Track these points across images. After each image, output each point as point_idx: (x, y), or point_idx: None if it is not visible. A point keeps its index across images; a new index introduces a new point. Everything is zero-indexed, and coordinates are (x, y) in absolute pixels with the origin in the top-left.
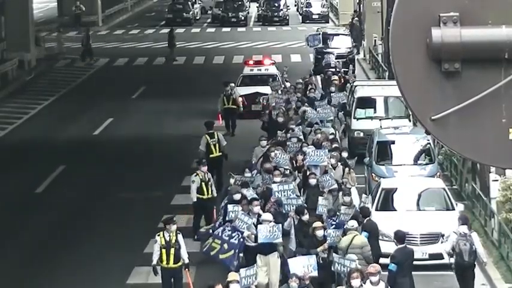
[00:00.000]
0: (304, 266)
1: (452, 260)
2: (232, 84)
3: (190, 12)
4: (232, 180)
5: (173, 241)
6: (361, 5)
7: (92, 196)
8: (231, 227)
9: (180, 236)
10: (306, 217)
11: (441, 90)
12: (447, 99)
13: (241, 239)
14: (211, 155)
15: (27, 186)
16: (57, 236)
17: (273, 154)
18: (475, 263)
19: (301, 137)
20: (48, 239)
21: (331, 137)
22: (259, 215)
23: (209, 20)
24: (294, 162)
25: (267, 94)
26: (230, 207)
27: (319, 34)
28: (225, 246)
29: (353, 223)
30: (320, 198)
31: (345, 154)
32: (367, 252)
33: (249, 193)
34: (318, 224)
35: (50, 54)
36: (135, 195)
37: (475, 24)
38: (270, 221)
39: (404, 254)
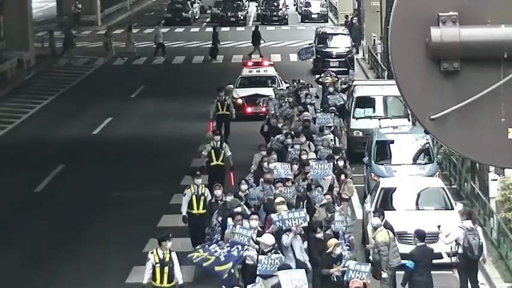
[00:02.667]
0: (294, 279)
1: (454, 258)
2: (231, 86)
3: (190, 12)
4: (219, 192)
5: (167, 259)
6: (361, 5)
7: (91, 195)
8: (230, 242)
9: (173, 254)
10: (320, 235)
11: (440, 89)
12: (446, 99)
13: (241, 252)
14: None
15: (26, 185)
16: (56, 235)
17: (272, 166)
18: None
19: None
20: (47, 238)
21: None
22: (258, 230)
23: (208, 20)
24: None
25: (267, 96)
26: (230, 221)
27: (312, 46)
28: (222, 258)
29: (377, 221)
30: (336, 214)
31: (340, 163)
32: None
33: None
34: (334, 241)
35: (48, 53)
36: (135, 195)
37: (474, 24)
38: (270, 245)
39: (423, 252)
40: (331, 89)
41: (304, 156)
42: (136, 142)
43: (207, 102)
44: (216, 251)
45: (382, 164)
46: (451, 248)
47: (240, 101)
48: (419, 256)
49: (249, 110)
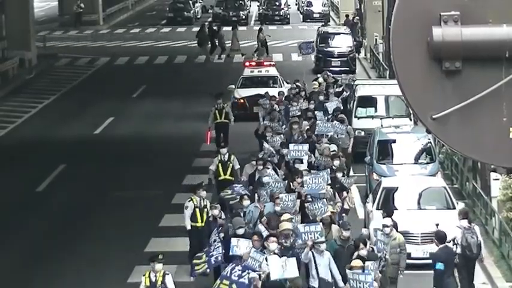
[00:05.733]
0: None
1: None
2: (232, 86)
3: (191, 11)
4: (216, 212)
5: (159, 282)
6: (362, 4)
7: (92, 195)
8: (242, 266)
9: (168, 278)
10: (363, 252)
11: (442, 89)
12: (448, 98)
13: (252, 279)
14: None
15: (28, 185)
16: (57, 235)
17: (265, 180)
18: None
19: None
20: (48, 237)
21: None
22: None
23: (210, 19)
24: (291, 184)
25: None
26: (234, 241)
27: (312, 42)
28: (234, 286)
29: (388, 221)
30: (379, 233)
31: (339, 174)
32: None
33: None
34: (359, 263)
35: (50, 53)
36: (136, 194)
37: (475, 23)
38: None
39: (447, 253)
40: (321, 97)
41: (298, 166)
42: (138, 142)
43: (208, 102)
44: (229, 275)
45: (384, 164)
46: None
47: (241, 101)
48: (446, 257)
49: (250, 110)
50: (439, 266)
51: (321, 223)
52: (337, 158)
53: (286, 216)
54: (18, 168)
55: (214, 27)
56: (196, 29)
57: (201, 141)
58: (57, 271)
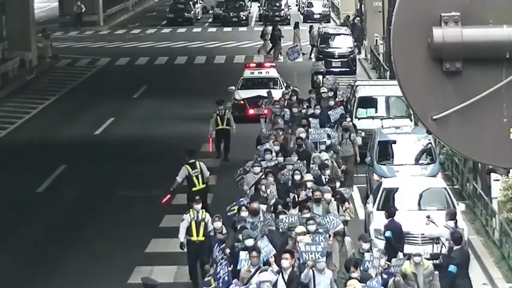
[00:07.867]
0: None
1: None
2: (233, 87)
3: (192, 12)
4: (219, 224)
5: None
6: (363, 5)
7: (93, 195)
8: (256, 283)
9: None
10: (355, 274)
11: (442, 89)
12: (448, 99)
13: None
14: (194, 188)
15: (28, 185)
16: (58, 235)
17: (263, 188)
18: None
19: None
20: (49, 238)
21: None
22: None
23: (210, 20)
24: (296, 196)
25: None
26: (243, 254)
27: (296, 46)
28: None
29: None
30: (393, 260)
31: (338, 184)
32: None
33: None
34: (355, 283)
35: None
36: (136, 194)
37: (476, 24)
38: (270, 281)
39: (463, 255)
40: (331, 102)
41: (297, 177)
42: (138, 142)
43: (209, 102)
44: None
45: (385, 164)
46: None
47: (241, 102)
48: (460, 260)
49: (251, 111)
50: (452, 268)
51: (322, 243)
52: (326, 167)
53: (299, 229)
54: (19, 168)
55: (280, 28)
56: (196, 29)
57: (202, 142)
58: (57, 271)
